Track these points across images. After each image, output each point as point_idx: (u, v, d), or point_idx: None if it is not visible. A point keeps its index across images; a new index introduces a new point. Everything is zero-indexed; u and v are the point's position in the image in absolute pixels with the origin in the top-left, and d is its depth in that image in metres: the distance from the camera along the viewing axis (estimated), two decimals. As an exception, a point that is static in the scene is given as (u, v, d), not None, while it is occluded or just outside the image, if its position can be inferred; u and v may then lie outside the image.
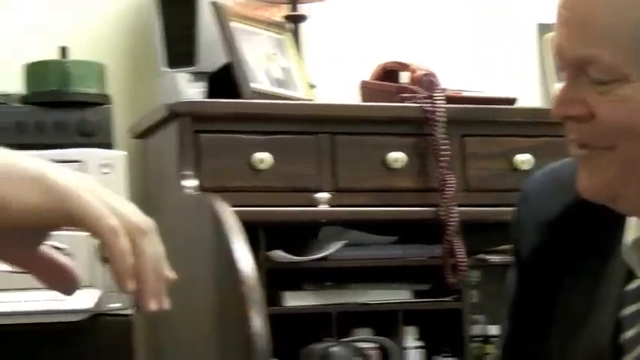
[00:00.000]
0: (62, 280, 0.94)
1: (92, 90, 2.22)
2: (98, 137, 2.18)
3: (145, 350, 2.44)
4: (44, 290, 1.63)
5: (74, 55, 2.24)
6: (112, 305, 2.11)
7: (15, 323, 2.02)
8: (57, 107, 2.18)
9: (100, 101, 2.21)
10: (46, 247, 0.93)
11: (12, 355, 2.11)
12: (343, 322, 2.38)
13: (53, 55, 2.22)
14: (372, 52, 2.74)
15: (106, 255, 0.88)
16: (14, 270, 0.94)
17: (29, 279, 1.53)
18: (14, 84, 2.23)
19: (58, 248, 2.03)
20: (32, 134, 2.15)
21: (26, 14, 2.66)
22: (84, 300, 2.06)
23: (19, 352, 2.11)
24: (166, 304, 0.90)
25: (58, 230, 0.90)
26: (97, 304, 2.08)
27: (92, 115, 2.19)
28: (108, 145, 2.19)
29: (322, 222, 2.34)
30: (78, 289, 0.95)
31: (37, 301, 2.02)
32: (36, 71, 2.22)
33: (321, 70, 2.66)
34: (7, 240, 0.91)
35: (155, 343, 2.44)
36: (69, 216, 0.88)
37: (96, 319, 2.09)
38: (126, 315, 2.12)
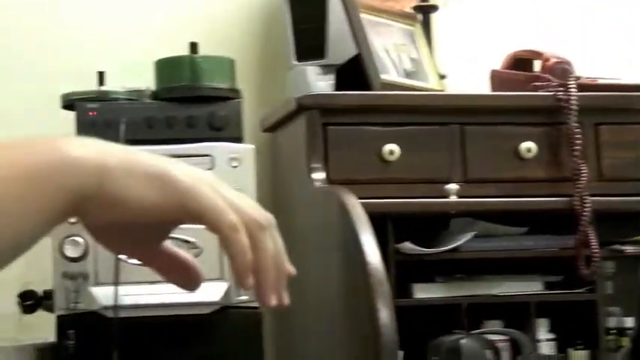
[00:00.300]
0: (185, 277, 0.95)
1: (222, 85, 2.22)
2: (228, 131, 2.19)
3: (274, 342, 2.55)
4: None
5: (204, 51, 2.24)
6: (241, 298, 2.11)
7: (144, 315, 2.05)
8: (187, 102, 2.20)
9: (230, 96, 2.22)
10: (169, 244, 0.93)
11: (144, 346, 2.11)
12: (473, 314, 2.34)
13: (183, 50, 2.23)
14: (503, 41, 2.69)
15: (226, 251, 0.88)
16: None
17: (158, 271, 1.52)
18: (145, 80, 2.24)
19: (186, 241, 2.05)
20: (162, 129, 2.16)
21: (156, 11, 2.71)
22: (212, 293, 2.07)
23: (150, 343, 2.12)
24: (286, 300, 0.88)
25: (179, 226, 0.90)
26: (225, 296, 2.09)
27: (222, 109, 2.20)
28: (237, 139, 2.19)
29: (452, 213, 2.31)
30: (200, 286, 0.94)
31: (166, 293, 2.04)
32: (166, 67, 2.24)
33: (452, 60, 2.65)
34: (131, 237, 0.92)
35: (284, 334, 2.58)
36: (189, 212, 0.87)
37: (225, 311, 2.10)
38: (255, 307, 2.12)
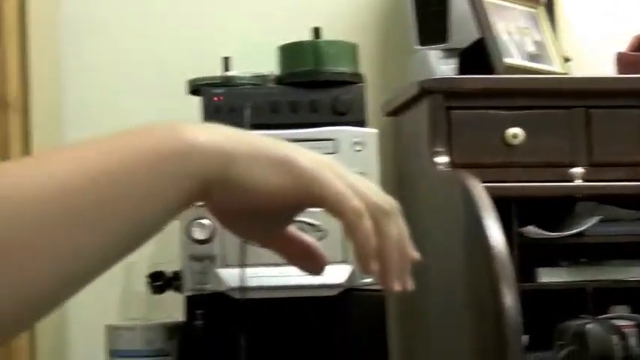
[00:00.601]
0: (309, 261, 0.95)
1: (345, 69, 2.23)
2: (351, 115, 2.19)
3: (398, 323, 2.53)
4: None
5: (327, 36, 2.26)
6: (365, 280, 2.10)
7: (270, 297, 2.08)
8: (310, 87, 2.20)
9: (353, 80, 2.22)
10: (294, 228, 0.94)
11: (270, 327, 2.12)
12: (599, 299, 2.29)
13: (306, 36, 2.24)
14: (629, 23, 2.62)
15: (349, 236, 0.89)
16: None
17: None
18: (269, 65, 2.25)
19: (310, 224, 2.06)
20: (286, 114, 2.17)
21: None
22: (337, 275, 2.08)
23: (276, 325, 2.13)
24: (410, 285, 0.88)
25: (302, 211, 0.90)
26: (350, 279, 2.09)
27: (345, 93, 2.20)
28: (360, 123, 2.19)
29: (577, 197, 2.27)
30: (324, 270, 0.95)
31: (291, 276, 2.04)
32: (289, 52, 2.24)
33: (576, 42, 2.61)
34: (256, 221, 0.92)
35: (407, 316, 2.56)
36: (313, 197, 0.87)
37: (349, 293, 2.11)
38: (379, 290, 2.05)
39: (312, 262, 0.95)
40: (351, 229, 0.86)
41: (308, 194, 0.88)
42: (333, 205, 0.87)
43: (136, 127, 0.85)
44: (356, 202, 0.87)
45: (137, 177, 0.84)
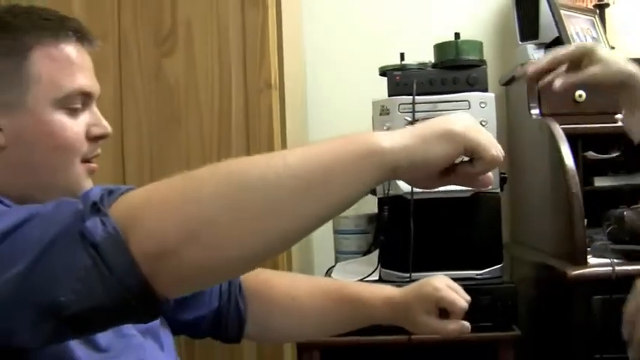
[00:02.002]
0: (480, 182, 1.14)
1: (474, 57, 2.35)
2: (478, 86, 2.31)
3: (509, 218, 2.71)
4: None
5: (463, 36, 2.37)
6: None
7: (429, 197, 2.20)
8: (453, 69, 2.33)
9: (479, 64, 2.33)
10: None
11: (428, 218, 2.22)
12: (634, 196, 2.35)
13: (451, 37, 2.37)
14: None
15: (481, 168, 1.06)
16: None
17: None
18: (428, 57, 2.40)
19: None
20: (439, 86, 2.33)
21: (438, 11, 2.95)
22: None
23: (432, 216, 2.23)
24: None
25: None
26: None
27: (475, 72, 2.32)
28: (484, 90, 2.29)
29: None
30: (490, 183, 1.15)
31: None
32: (441, 48, 2.39)
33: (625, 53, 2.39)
34: (431, 176, 1.08)
35: (514, 212, 2.74)
36: (467, 151, 1.06)
37: (477, 196, 2.22)
38: (495, 193, 2.25)
39: (482, 183, 1.14)
40: (486, 164, 1.07)
41: (464, 149, 1.05)
42: (480, 153, 1.06)
43: (344, 135, 1.02)
44: (494, 151, 1.08)
45: (347, 167, 1.00)
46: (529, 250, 2.51)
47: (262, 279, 1.68)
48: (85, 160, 1.33)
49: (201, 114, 2.23)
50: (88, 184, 1.34)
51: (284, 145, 2.27)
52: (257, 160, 0.99)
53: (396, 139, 1.02)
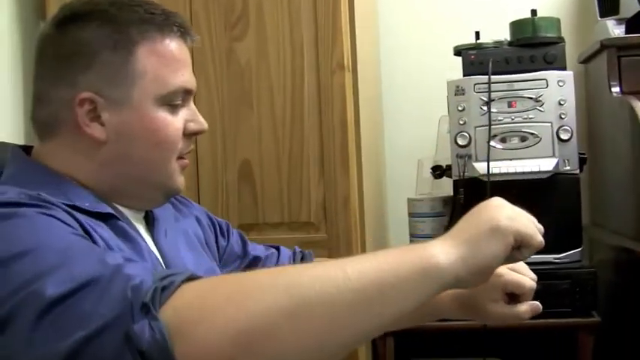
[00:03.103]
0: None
1: (552, 34, 2.34)
2: (556, 63, 2.31)
3: (588, 200, 2.67)
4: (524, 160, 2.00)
5: (540, 13, 2.38)
6: (565, 168, 2.24)
7: (506, 180, 2.23)
8: (530, 47, 2.33)
9: (557, 41, 2.33)
10: None
11: (507, 199, 2.23)
12: None
13: (527, 14, 2.38)
14: None
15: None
16: None
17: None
18: (504, 34, 2.41)
19: (530, 133, 2.15)
20: (515, 64, 2.32)
21: None
22: (547, 165, 2.24)
23: (508, 197, 2.20)
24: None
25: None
26: (555, 167, 2.23)
27: (552, 50, 2.32)
28: (562, 68, 2.30)
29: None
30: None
31: (519, 165, 2.24)
32: (517, 26, 2.39)
33: None
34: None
35: (594, 190, 2.69)
36: (516, 242, 1.10)
37: (555, 176, 2.24)
38: (574, 174, 2.26)
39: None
40: (531, 251, 1.12)
41: (513, 242, 1.09)
42: (527, 242, 1.11)
43: (400, 247, 1.04)
44: (539, 239, 1.12)
45: (407, 284, 1.01)
46: (609, 233, 2.48)
47: None
48: (179, 157, 1.33)
49: (273, 96, 2.25)
50: (180, 180, 1.34)
51: (357, 128, 2.26)
52: (317, 271, 0.98)
53: (451, 251, 1.04)
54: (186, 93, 1.33)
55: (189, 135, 1.34)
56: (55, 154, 1.30)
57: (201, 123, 1.35)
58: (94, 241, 1.14)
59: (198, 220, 1.56)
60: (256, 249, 1.64)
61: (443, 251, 1.04)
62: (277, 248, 1.67)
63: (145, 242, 1.32)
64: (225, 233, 1.61)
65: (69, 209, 1.15)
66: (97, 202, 1.26)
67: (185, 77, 1.32)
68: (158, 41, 1.29)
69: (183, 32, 1.34)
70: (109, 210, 1.26)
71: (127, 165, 1.28)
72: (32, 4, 2.49)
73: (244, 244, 1.63)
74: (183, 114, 1.33)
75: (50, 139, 1.30)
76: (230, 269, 1.55)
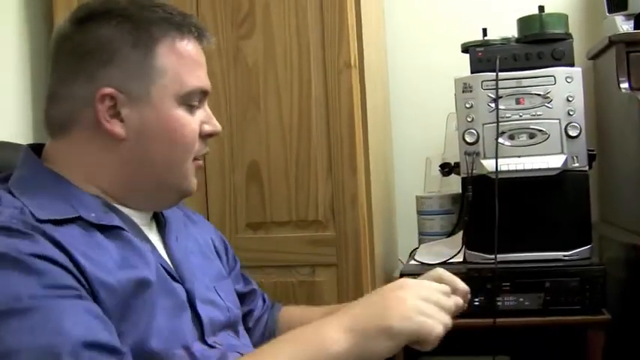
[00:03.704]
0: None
1: (560, 31, 2.30)
2: (564, 60, 2.27)
3: (598, 196, 2.66)
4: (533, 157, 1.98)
5: (547, 9, 2.33)
6: (574, 165, 2.21)
7: (513, 177, 2.20)
8: (538, 43, 2.29)
9: (565, 37, 2.29)
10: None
11: (512, 196, 2.19)
12: None
13: (534, 10, 2.33)
14: None
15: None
16: None
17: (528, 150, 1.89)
18: (511, 31, 2.37)
19: (534, 132, 2.16)
20: (522, 61, 2.29)
21: None
22: (555, 162, 2.21)
23: (516, 194, 2.20)
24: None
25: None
26: (564, 164, 2.20)
27: (560, 46, 2.28)
28: (570, 65, 2.26)
29: None
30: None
31: (527, 163, 2.21)
32: (524, 22, 2.34)
33: None
34: None
35: (603, 187, 2.69)
36: (408, 342, 1.15)
37: (564, 173, 2.21)
38: (583, 171, 2.22)
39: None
40: (428, 346, 1.15)
41: (409, 341, 1.15)
42: (422, 341, 1.15)
43: (309, 327, 1.16)
44: (438, 329, 1.14)
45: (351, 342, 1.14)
46: (619, 230, 2.46)
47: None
48: (195, 158, 1.34)
49: (280, 95, 2.25)
50: (194, 181, 1.35)
51: (364, 126, 2.26)
52: None
53: (342, 338, 1.14)
54: (203, 94, 1.35)
55: (204, 137, 1.36)
56: (68, 153, 1.30)
57: (216, 125, 1.37)
58: (82, 271, 1.15)
59: (212, 235, 1.59)
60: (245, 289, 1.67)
61: (336, 338, 1.13)
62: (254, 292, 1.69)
63: (153, 246, 1.32)
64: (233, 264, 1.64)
65: (62, 227, 1.18)
66: (104, 211, 1.27)
67: (202, 78, 1.34)
68: (177, 41, 1.31)
69: (199, 34, 1.36)
70: (115, 222, 1.26)
71: (144, 163, 1.29)
72: (40, 8, 2.50)
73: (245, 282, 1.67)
74: (199, 115, 1.34)
75: (65, 136, 1.31)
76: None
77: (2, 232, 1.11)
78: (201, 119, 1.35)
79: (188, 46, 1.32)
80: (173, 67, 1.29)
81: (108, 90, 1.27)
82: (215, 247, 1.57)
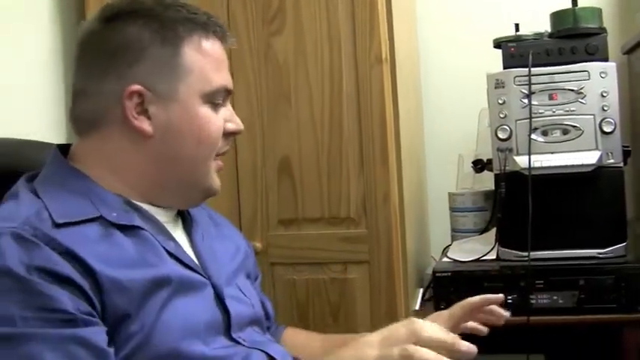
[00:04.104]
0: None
1: (593, 25, 2.29)
2: (598, 55, 2.26)
3: (633, 193, 2.64)
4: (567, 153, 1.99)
5: (581, 3, 2.32)
6: (608, 161, 2.20)
7: (547, 173, 2.19)
8: (571, 38, 2.28)
9: (599, 32, 2.28)
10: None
11: (546, 193, 2.18)
12: None
13: (568, 4, 2.31)
14: None
15: None
16: None
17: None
18: (544, 26, 2.35)
19: (567, 129, 2.17)
20: (556, 56, 2.27)
21: None
22: (590, 158, 2.20)
23: (550, 191, 2.19)
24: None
25: None
26: (599, 160, 2.19)
27: (594, 41, 2.27)
28: (604, 60, 2.24)
29: None
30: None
31: (560, 159, 2.20)
32: (557, 16, 2.33)
33: None
34: None
35: (638, 185, 2.64)
36: None
37: (598, 170, 2.19)
38: (618, 167, 2.20)
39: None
40: None
41: None
42: None
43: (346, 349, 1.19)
44: None
45: None
46: (655, 226, 2.40)
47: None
48: (216, 156, 1.37)
49: (311, 91, 2.25)
50: (217, 181, 1.37)
51: (396, 121, 2.26)
52: None
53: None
54: (227, 93, 1.38)
55: (227, 135, 1.38)
56: (95, 151, 1.32)
57: (239, 124, 1.40)
58: (92, 274, 1.17)
59: (239, 239, 1.61)
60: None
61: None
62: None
63: (177, 243, 1.33)
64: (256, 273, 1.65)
65: (79, 227, 1.20)
66: (125, 210, 1.29)
67: (226, 77, 1.36)
68: (203, 40, 1.34)
69: (223, 34, 1.39)
70: (135, 222, 1.28)
71: (170, 161, 1.31)
72: (72, 5, 2.52)
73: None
74: (223, 113, 1.37)
75: (93, 134, 1.33)
76: None
77: (12, 239, 1.13)
78: (225, 117, 1.37)
79: (213, 46, 1.35)
80: (199, 66, 1.32)
81: (136, 87, 1.30)
82: (241, 250, 1.59)
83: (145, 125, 1.30)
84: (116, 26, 1.32)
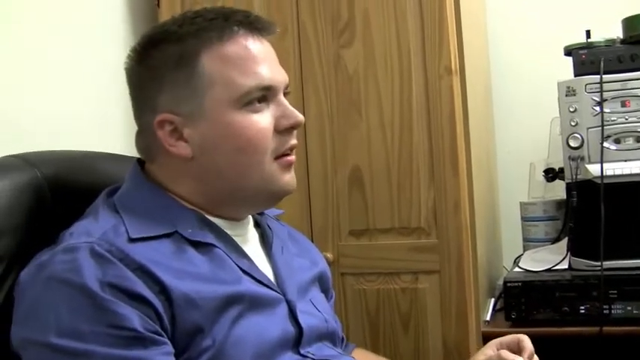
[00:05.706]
0: None
1: None
2: None
3: None
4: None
5: None
6: None
7: (621, 182, 2.18)
8: None
9: None
10: None
11: (621, 202, 2.17)
12: None
13: (639, 10, 2.21)
14: None
15: None
16: None
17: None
18: (616, 32, 2.34)
19: None
20: (628, 62, 2.26)
21: None
22: None
23: (624, 199, 2.18)
24: None
25: None
26: None
27: None
28: None
29: None
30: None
31: (631, 167, 2.19)
32: (629, 22, 2.31)
33: None
34: None
35: None
36: None
37: None
38: None
39: None
40: None
41: None
42: None
43: None
44: None
45: None
46: None
47: None
48: (279, 155, 1.32)
49: (381, 102, 2.27)
50: (286, 179, 1.33)
51: (466, 133, 2.27)
52: None
53: None
54: (266, 90, 1.32)
55: (283, 131, 1.33)
56: (159, 176, 1.37)
57: (292, 116, 1.33)
58: (163, 288, 1.18)
59: (318, 257, 1.62)
60: None
61: None
62: None
63: (251, 260, 1.34)
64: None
65: (154, 241, 1.22)
66: (199, 227, 1.30)
67: (259, 74, 1.31)
68: (220, 45, 1.30)
69: (248, 28, 1.33)
70: (208, 239, 1.29)
71: (215, 176, 1.30)
72: (145, 13, 2.58)
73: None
74: (270, 112, 1.32)
75: (153, 163, 1.37)
76: None
77: (89, 254, 1.15)
78: (275, 114, 1.33)
79: (233, 47, 1.30)
80: (220, 74, 1.29)
81: (162, 116, 1.31)
82: (318, 265, 1.59)
83: (182, 149, 1.30)
84: (143, 59, 1.34)
